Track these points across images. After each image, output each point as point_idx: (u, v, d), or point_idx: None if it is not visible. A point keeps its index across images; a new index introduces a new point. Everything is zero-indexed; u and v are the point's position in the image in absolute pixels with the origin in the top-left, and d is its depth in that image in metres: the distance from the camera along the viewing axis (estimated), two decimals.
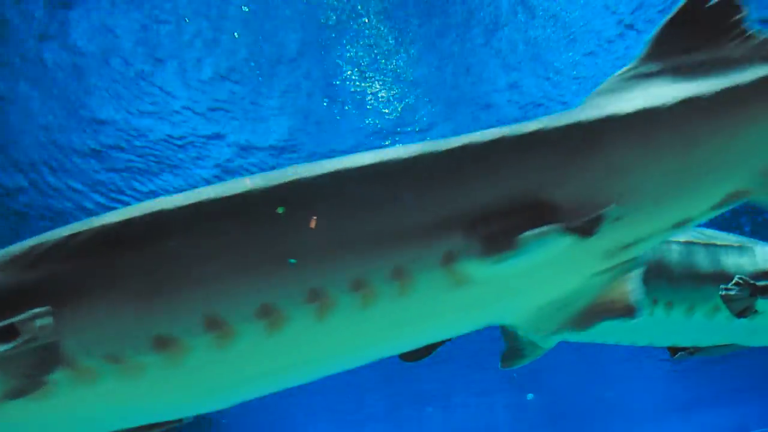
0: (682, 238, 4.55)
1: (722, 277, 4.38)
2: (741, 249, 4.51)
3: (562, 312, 2.32)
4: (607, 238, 2.16)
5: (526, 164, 2.09)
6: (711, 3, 2.50)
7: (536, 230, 1.97)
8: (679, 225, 2.33)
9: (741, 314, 4.42)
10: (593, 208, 2.08)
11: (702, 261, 4.44)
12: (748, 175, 2.32)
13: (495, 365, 4.63)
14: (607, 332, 4.63)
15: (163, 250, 1.84)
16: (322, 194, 1.94)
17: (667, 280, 4.39)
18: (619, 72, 2.56)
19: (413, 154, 2.03)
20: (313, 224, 1.88)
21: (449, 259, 1.98)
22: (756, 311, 4.40)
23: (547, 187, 2.07)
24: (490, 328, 2.37)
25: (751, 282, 4.26)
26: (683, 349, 5.01)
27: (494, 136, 2.12)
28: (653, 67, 2.50)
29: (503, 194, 2.03)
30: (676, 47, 2.50)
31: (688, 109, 2.24)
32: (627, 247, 2.25)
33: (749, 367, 21.47)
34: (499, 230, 1.97)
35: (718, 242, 4.52)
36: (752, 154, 2.29)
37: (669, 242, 4.52)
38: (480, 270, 2.00)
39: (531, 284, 2.16)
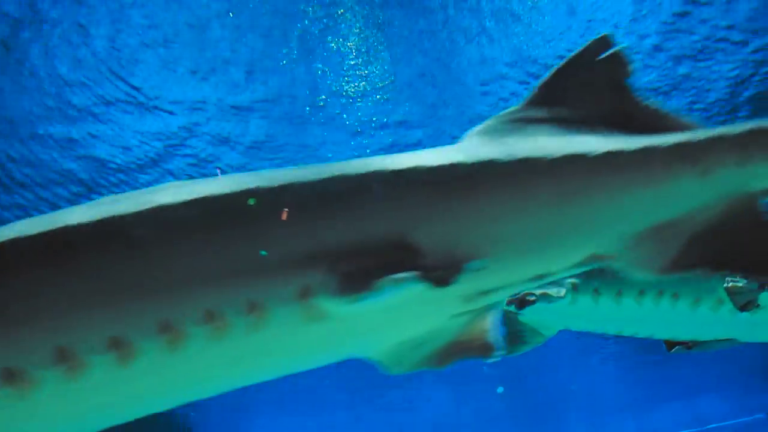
0: None
1: None
2: None
3: (421, 349, 2.29)
4: (465, 286, 2.10)
5: (392, 204, 2.03)
6: (601, 57, 2.47)
7: (393, 276, 1.93)
8: (538, 278, 2.31)
9: (744, 308, 4.52)
10: (456, 257, 2.04)
11: None
12: (614, 242, 2.31)
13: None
14: (610, 322, 4.68)
15: None
16: (177, 222, 1.88)
17: None
18: (503, 113, 2.48)
19: (275, 184, 1.97)
20: (165, 254, 1.85)
21: (306, 294, 1.94)
22: (758, 305, 4.51)
23: (411, 230, 2.02)
24: None
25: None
26: (681, 343, 5.10)
27: (363, 170, 2.05)
28: (539, 113, 2.44)
29: (365, 233, 1.98)
30: (565, 97, 2.47)
31: (569, 166, 2.18)
32: (486, 293, 2.21)
33: (701, 362, 21.97)
34: (358, 270, 1.93)
35: None
36: (621, 221, 2.28)
37: None
38: (336, 307, 1.96)
39: (388, 323, 2.13)
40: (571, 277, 4.52)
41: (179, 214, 1.88)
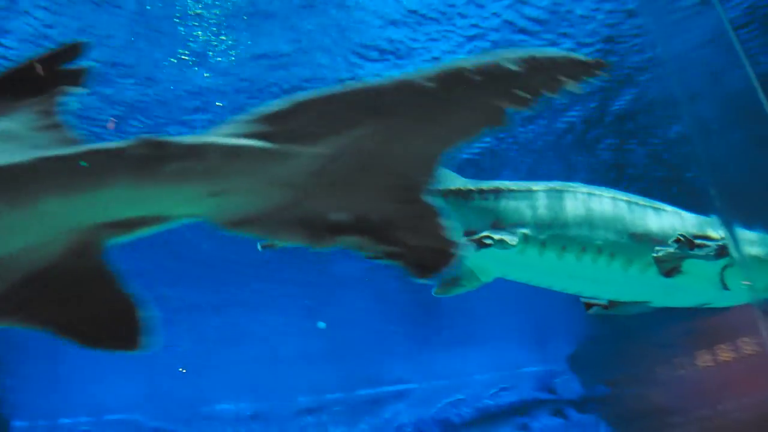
0: (626, 197, 4.87)
1: (657, 236, 4.76)
2: (675, 213, 4.93)
3: None
4: None
5: None
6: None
7: None
8: None
9: (668, 273, 4.84)
10: None
11: (641, 220, 4.78)
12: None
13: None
14: (548, 275, 4.84)
15: None
16: None
17: (614, 233, 4.68)
18: None
19: None
20: None
21: None
22: (681, 271, 4.84)
23: None
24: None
25: (691, 239, 4.68)
26: (598, 304, 5.37)
27: None
28: None
29: None
30: None
31: None
32: None
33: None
34: None
35: (655, 205, 4.90)
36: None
37: (615, 199, 4.82)
38: None
39: None
40: (524, 227, 4.60)
41: None
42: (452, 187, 4.71)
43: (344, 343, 13.79)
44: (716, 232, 4.85)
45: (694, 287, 4.92)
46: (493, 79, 1.84)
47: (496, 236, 4.39)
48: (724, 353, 12.42)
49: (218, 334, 12.98)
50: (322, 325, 12.97)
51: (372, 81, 1.84)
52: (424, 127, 1.91)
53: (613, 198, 4.78)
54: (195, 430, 14.24)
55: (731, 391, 12.21)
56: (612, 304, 5.29)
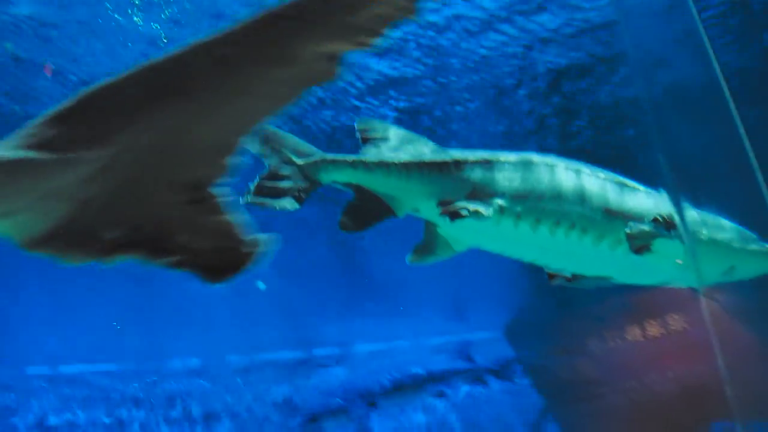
0: (602, 173, 4.86)
1: (630, 214, 4.78)
2: (647, 193, 4.95)
3: None
4: None
5: None
6: None
7: None
8: None
9: (639, 250, 4.87)
10: None
11: (616, 197, 4.79)
12: None
13: None
14: (521, 247, 4.81)
15: None
16: None
17: (589, 208, 4.68)
18: None
19: None
20: None
21: None
22: (650, 250, 4.88)
23: None
24: None
25: (669, 219, 4.73)
26: (562, 276, 5.39)
27: None
28: None
29: None
30: None
31: None
32: None
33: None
34: None
35: (629, 184, 4.91)
36: None
37: (591, 174, 4.80)
38: None
39: None
40: (499, 198, 4.53)
41: None
42: (428, 158, 4.60)
43: (279, 305, 13.65)
44: (687, 213, 4.90)
45: (660, 266, 4.98)
46: (318, 17, 1.52)
47: (471, 207, 4.33)
48: (653, 329, 12.85)
49: (161, 293, 12.63)
50: (261, 285, 12.77)
51: (166, 54, 1.50)
52: (229, 103, 1.60)
53: (589, 174, 4.77)
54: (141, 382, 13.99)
55: (657, 365, 12.66)
56: (575, 277, 5.32)
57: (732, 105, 3.75)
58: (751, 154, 3.56)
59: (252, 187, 4.27)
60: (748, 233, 5.05)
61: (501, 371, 12.47)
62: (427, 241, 4.80)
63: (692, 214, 4.92)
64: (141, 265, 1.71)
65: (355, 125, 4.70)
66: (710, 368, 12.52)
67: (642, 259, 4.84)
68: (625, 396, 12.78)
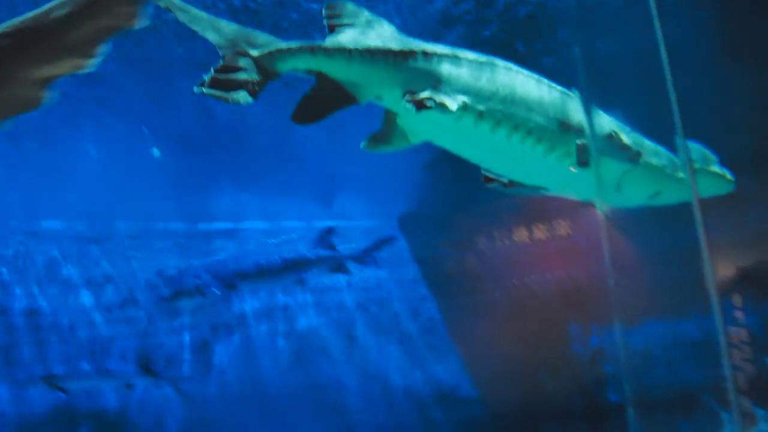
0: (563, 89, 4.85)
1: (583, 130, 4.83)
2: (603, 114, 5.04)
3: None
4: None
5: None
6: None
7: None
8: None
9: (583, 164, 4.97)
10: None
11: (574, 112, 4.81)
12: None
13: None
14: (476, 147, 4.77)
15: None
16: None
17: (547, 118, 4.68)
18: None
19: None
20: None
21: None
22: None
23: None
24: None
25: (620, 137, 4.85)
26: (499, 181, 5.43)
27: None
28: None
29: None
30: None
31: None
32: None
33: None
34: None
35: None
36: None
37: (553, 87, 4.77)
38: None
39: None
40: (463, 95, 4.43)
41: None
42: (395, 47, 4.42)
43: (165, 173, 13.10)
44: (630, 138, 5.04)
45: (594, 183, 5.10)
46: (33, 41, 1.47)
47: (438, 99, 4.23)
48: (540, 232, 13.48)
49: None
50: (156, 152, 12.15)
51: None
52: None
53: (550, 85, 4.78)
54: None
55: (539, 267, 13.40)
56: (512, 183, 5.38)
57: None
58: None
59: (206, 78, 4.04)
60: (684, 159, 5.23)
61: (362, 258, 12.34)
62: (384, 129, 4.69)
63: (632, 136, 5.06)
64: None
65: (323, 9, 4.42)
66: (586, 274, 13.39)
67: (582, 174, 4.95)
68: (506, 293, 13.50)
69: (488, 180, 5.41)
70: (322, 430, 12.96)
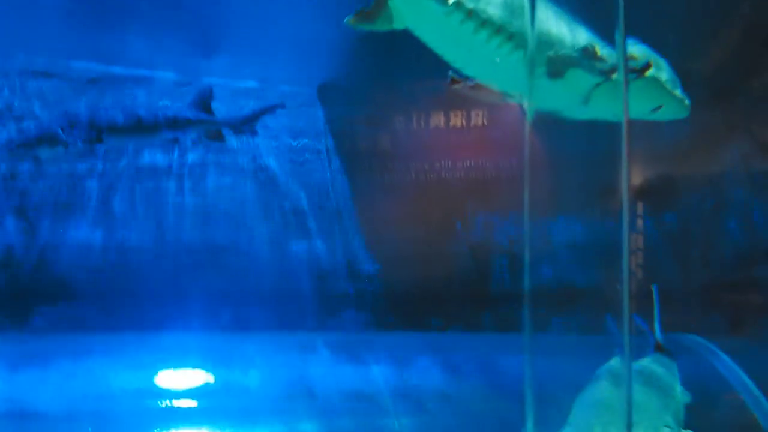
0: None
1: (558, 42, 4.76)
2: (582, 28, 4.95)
3: None
4: None
5: None
6: None
7: None
8: None
9: (553, 75, 4.91)
10: None
11: (555, 24, 4.72)
12: None
13: None
14: (454, 46, 4.64)
15: None
16: None
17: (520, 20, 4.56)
18: None
19: None
20: None
21: None
22: (562, 77, 4.93)
23: None
24: None
25: (595, 51, 4.80)
26: (466, 84, 5.31)
27: None
28: None
29: None
30: None
31: None
32: None
33: None
34: None
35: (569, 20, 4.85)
36: None
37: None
38: None
39: None
40: None
41: None
42: None
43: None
44: (608, 52, 4.97)
45: (562, 94, 5.10)
46: None
47: None
48: (457, 120, 13.52)
49: None
50: None
51: None
52: None
53: None
54: None
55: (450, 154, 13.54)
56: (478, 86, 5.28)
57: None
58: None
59: None
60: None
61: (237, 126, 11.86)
62: (373, 8, 4.49)
63: (636, 48, 5.03)
64: None
65: None
66: (496, 167, 13.66)
67: (550, 84, 4.93)
68: (413, 175, 13.60)
69: (454, 82, 5.31)
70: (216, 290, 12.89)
